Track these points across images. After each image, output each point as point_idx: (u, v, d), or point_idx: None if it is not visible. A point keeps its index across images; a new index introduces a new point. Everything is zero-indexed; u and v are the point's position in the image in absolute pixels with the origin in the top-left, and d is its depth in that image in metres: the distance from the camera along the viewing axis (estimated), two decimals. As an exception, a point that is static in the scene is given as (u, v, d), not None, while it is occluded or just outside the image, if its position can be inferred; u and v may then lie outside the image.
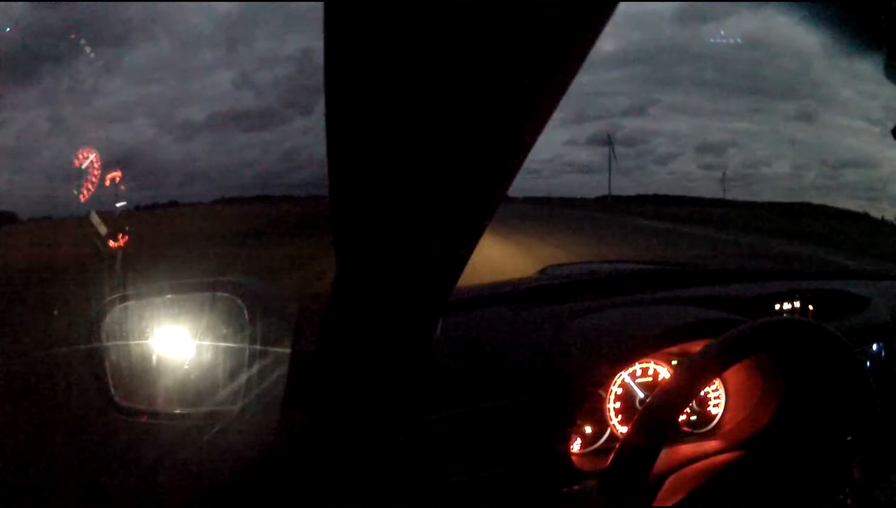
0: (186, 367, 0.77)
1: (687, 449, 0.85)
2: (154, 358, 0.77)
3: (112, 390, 0.69)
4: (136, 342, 0.77)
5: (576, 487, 0.77)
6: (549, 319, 0.92)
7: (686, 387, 0.62)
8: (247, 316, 0.72)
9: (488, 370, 0.83)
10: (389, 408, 0.62)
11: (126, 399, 0.70)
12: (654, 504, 0.70)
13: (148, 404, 0.74)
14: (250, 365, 0.70)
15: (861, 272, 1.46)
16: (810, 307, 1.09)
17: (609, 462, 0.68)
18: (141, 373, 0.75)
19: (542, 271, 1.42)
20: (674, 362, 0.88)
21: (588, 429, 0.85)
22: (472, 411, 0.78)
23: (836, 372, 0.68)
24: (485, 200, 0.44)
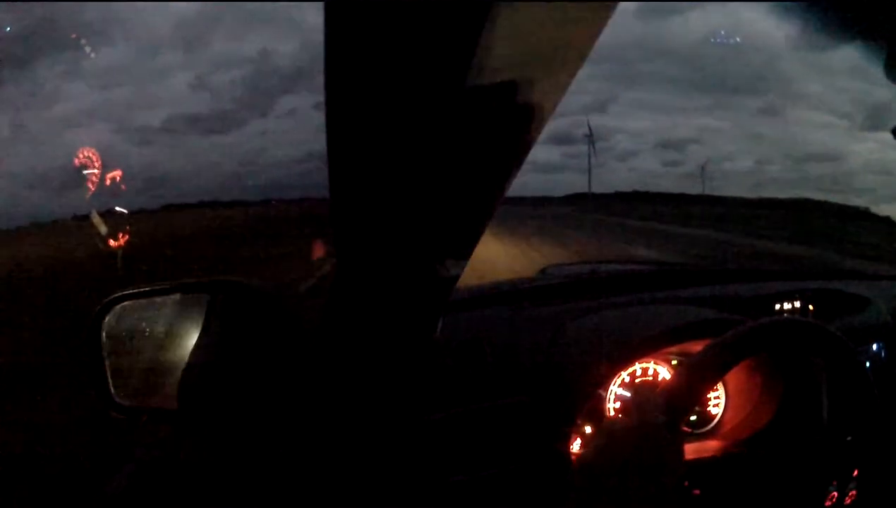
0: (186, 367, 0.77)
1: (687, 449, 0.85)
2: (154, 357, 0.77)
3: (112, 390, 0.69)
4: (136, 341, 0.77)
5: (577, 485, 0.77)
6: (549, 319, 0.92)
7: (687, 388, 0.62)
8: (247, 316, 0.72)
9: (488, 370, 0.82)
10: (389, 408, 0.62)
11: (126, 399, 0.70)
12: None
13: (148, 404, 0.74)
14: (250, 365, 0.70)
15: (861, 272, 1.46)
16: (810, 307, 1.09)
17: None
18: (140, 373, 0.75)
19: (542, 271, 1.43)
20: (674, 362, 0.88)
21: (588, 429, 0.85)
22: (472, 411, 0.78)
23: (837, 372, 0.68)
24: (485, 200, 0.44)
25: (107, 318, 0.71)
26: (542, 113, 0.36)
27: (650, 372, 0.88)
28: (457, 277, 0.54)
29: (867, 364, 1.02)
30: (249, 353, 0.72)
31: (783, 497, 0.67)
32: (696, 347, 0.72)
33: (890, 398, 0.75)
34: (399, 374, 0.61)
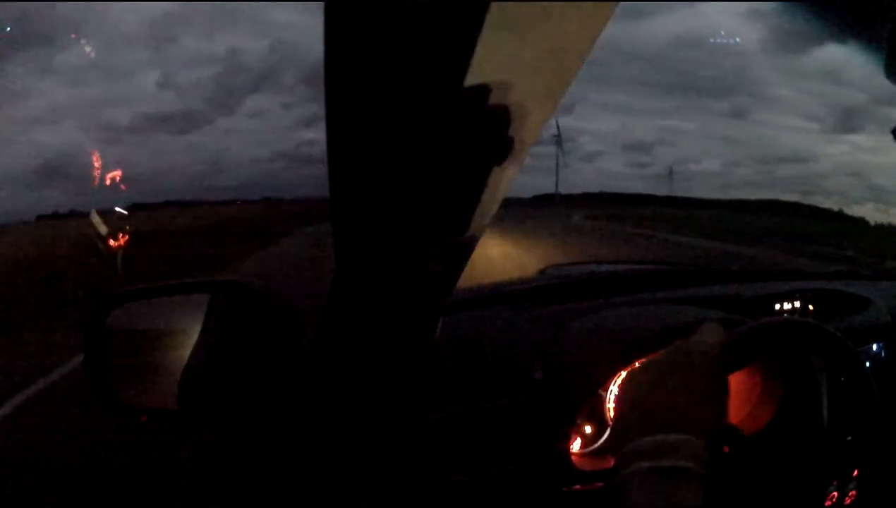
0: (186, 367, 0.77)
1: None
2: (154, 357, 0.77)
3: (112, 390, 0.69)
4: (136, 341, 0.77)
5: (578, 487, 0.77)
6: (548, 319, 0.92)
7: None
8: (247, 316, 0.72)
9: (488, 370, 0.83)
10: (389, 408, 0.62)
11: (126, 399, 0.70)
12: None
13: (148, 404, 0.74)
14: (250, 365, 0.70)
15: (861, 272, 1.46)
16: (810, 307, 1.09)
17: (615, 462, 0.68)
18: (141, 373, 0.75)
19: (542, 271, 1.43)
20: None
21: (588, 429, 0.85)
22: (471, 411, 0.78)
23: (837, 373, 0.68)
24: (484, 200, 0.44)
25: (106, 318, 0.71)
26: (542, 113, 0.36)
27: None
28: (457, 277, 0.54)
29: (867, 364, 1.02)
30: (249, 353, 0.72)
31: (783, 497, 0.67)
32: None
33: (890, 398, 0.75)
34: (399, 374, 0.61)
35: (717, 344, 0.55)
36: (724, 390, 0.55)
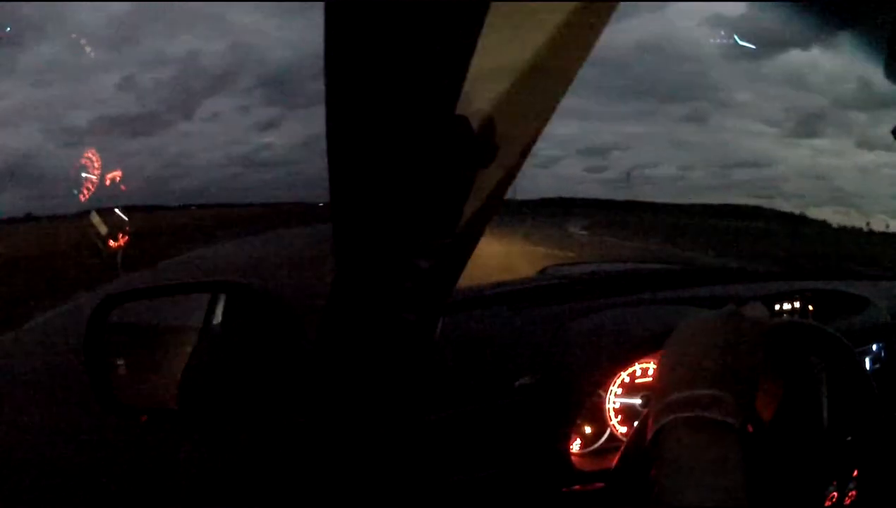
0: (186, 367, 0.77)
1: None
2: (154, 357, 0.77)
3: (112, 390, 0.69)
4: (136, 341, 0.77)
5: (577, 487, 0.77)
6: (548, 319, 0.92)
7: None
8: (247, 316, 0.72)
9: (488, 370, 0.82)
10: (389, 408, 0.62)
11: (126, 398, 0.70)
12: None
13: (148, 404, 0.74)
14: (250, 365, 0.70)
15: (861, 272, 1.46)
16: (810, 307, 1.09)
17: (616, 462, 0.68)
18: (141, 373, 0.75)
19: (542, 271, 1.42)
20: None
21: (588, 429, 0.85)
22: (472, 411, 0.78)
23: (837, 373, 0.68)
24: (484, 200, 0.44)
25: (107, 318, 0.71)
26: (542, 113, 0.36)
27: (650, 372, 0.88)
28: (457, 277, 0.54)
29: (867, 364, 1.02)
30: (249, 353, 0.72)
31: (783, 497, 0.67)
32: None
33: (890, 398, 0.75)
34: (399, 375, 0.61)
35: (767, 320, 0.56)
36: (763, 365, 0.55)
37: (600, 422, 0.86)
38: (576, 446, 0.83)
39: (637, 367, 0.87)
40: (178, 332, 0.80)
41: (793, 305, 1.08)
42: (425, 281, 0.52)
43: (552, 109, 0.36)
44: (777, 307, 1.07)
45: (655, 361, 0.88)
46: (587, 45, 0.31)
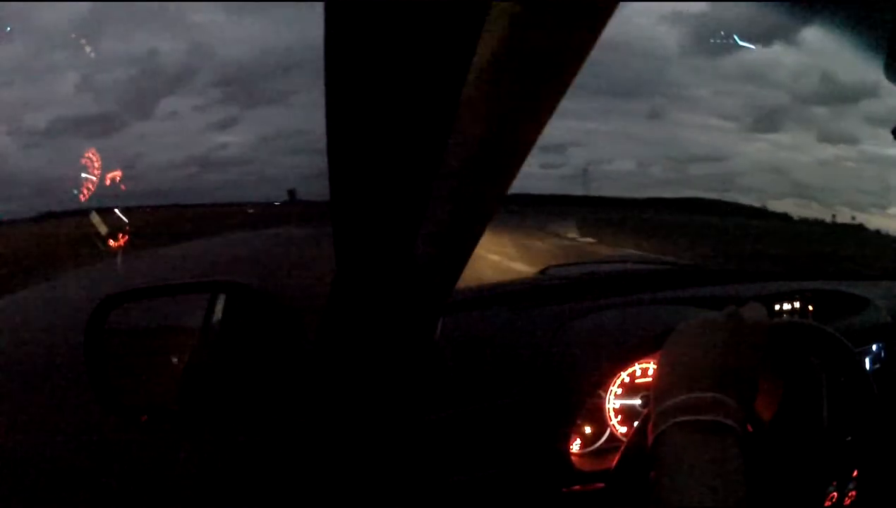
0: (186, 367, 0.77)
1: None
2: (154, 357, 0.77)
3: (112, 390, 0.69)
4: (136, 341, 0.77)
5: (577, 487, 0.77)
6: (548, 319, 0.92)
7: None
8: (247, 316, 0.72)
9: (488, 370, 0.83)
10: (389, 408, 0.62)
11: (126, 399, 0.70)
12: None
13: (148, 404, 0.74)
14: (250, 365, 0.70)
15: (861, 272, 1.46)
16: (810, 307, 1.09)
17: (616, 463, 0.68)
18: (140, 373, 0.75)
19: (543, 271, 1.43)
20: None
21: (588, 430, 0.85)
22: (472, 411, 0.78)
23: (836, 373, 0.68)
24: (484, 200, 0.44)
25: (107, 318, 0.71)
26: (542, 113, 0.36)
27: (650, 372, 0.88)
28: (457, 277, 0.54)
29: (867, 364, 1.02)
30: (249, 353, 0.72)
31: (783, 497, 0.67)
32: None
33: (890, 398, 0.75)
34: (399, 375, 0.61)
35: (766, 320, 0.57)
36: (763, 365, 0.56)
37: (600, 422, 0.86)
38: (576, 446, 0.83)
39: (637, 367, 0.87)
40: (177, 332, 0.80)
41: (793, 305, 1.08)
42: (425, 282, 0.52)
43: (552, 109, 0.35)
44: (777, 307, 1.08)
45: (655, 361, 0.88)
46: (587, 45, 0.31)
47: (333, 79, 0.32)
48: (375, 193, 0.41)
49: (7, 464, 2.15)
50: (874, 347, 1.04)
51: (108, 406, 0.68)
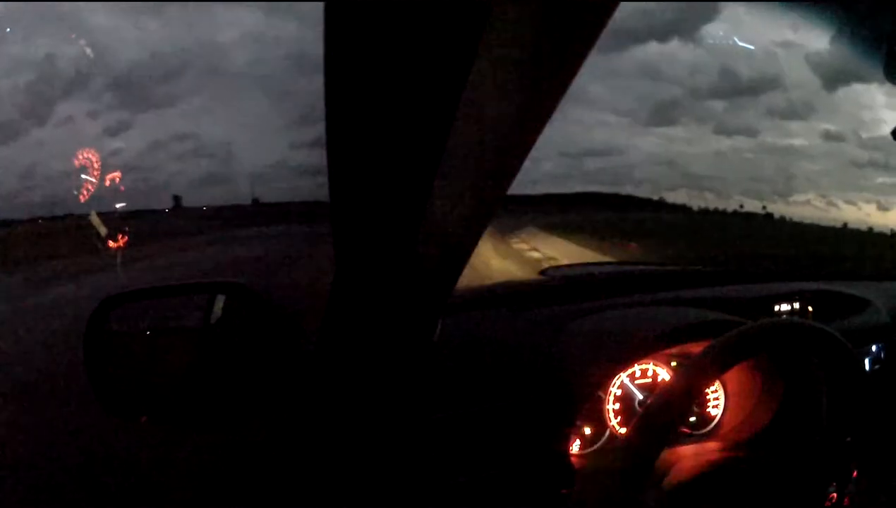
0: (186, 367, 0.77)
1: (687, 451, 0.85)
2: (154, 358, 0.77)
3: (112, 390, 0.69)
4: (136, 342, 0.77)
5: (577, 488, 0.77)
6: (548, 320, 0.92)
7: (686, 389, 0.62)
8: (247, 317, 0.72)
9: (488, 370, 0.82)
10: (389, 409, 0.62)
11: (126, 399, 0.70)
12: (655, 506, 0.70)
13: (148, 405, 0.74)
14: (250, 366, 0.70)
15: (861, 273, 1.46)
16: (810, 308, 1.09)
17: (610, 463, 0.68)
18: (140, 374, 0.75)
19: (542, 272, 1.43)
20: (673, 363, 0.88)
21: (587, 430, 0.85)
22: (471, 411, 0.78)
23: (836, 374, 0.68)
24: (484, 200, 0.44)
25: (107, 319, 0.71)
26: (542, 113, 0.36)
27: (649, 373, 0.88)
28: (457, 278, 0.54)
29: (867, 364, 1.02)
30: (249, 354, 0.72)
31: (783, 497, 0.67)
32: (696, 348, 0.72)
33: (890, 398, 0.75)
34: (399, 376, 0.61)
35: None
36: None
37: (600, 423, 0.86)
38: (575, 447, 0.83)
39: (637, 368, 0.87)
40: (177, 333, 0.80)
41: (793, 305, 1.09)
42: (425, 282, 0.52)
43: (552, 109, 0.36)
44: (777, 307, 1.08)
45: (655, 362, 0.88)
46: (587, 45, 0.31)
47: (333, 79, 0.32)
48: (375, 193, 0.41)
49: (7, 464, 2.15)
50: (874, 347, 1.04)
51: (108, 406, 0.68)
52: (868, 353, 1.03)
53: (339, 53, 0.31)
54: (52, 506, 1.88)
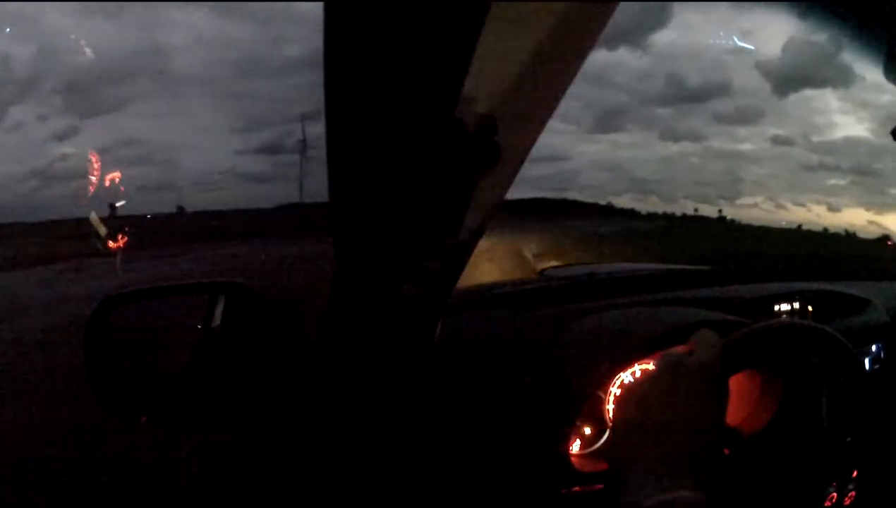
0: (186, 367, 0.77)
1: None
2: (154, 357, 0.77)
3: (112, 390, 0.69)
4: (136, 342, 0.77)
5: (577, 488, 0.77)
6: (548, 320, 0.92)
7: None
8: (247, 317, 0.72)
9: (488, 370, 0.83)
10: (389, 409, 0.62)
11: (126, 399, 0.70)
12: None
13: (148, 405, 0.74)
14: (250, 366, 0.70)
15: (860, 273, 1.46)
16: (809, 308, 1.09)
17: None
18: (140, 374, 0.75)
19: (542, 273, 1.43)
20: None
21: (587, 430, 0.85)
22: (471, 411, 0.78)
23: (836, 374, 0.68)
24: (484, 201, 0.44)
25: (107, 319, 0.71)
26: (542, 113, 0.36)
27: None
28: (457, 278, 0.54)
29: (867, 364, 1.02)
30: (249, 354, 0.72)
31: (783, 497, 0.67)
32: None
33: (890, 398, 0.75)
34: (399, 376, 0.61)
35: (717, 352, 0.55)
36: (725, 396, 0.55)
37: (600, 423, 0.86)
38: (575, 447, 0.83)
39: (637, 368, 0.87)
40: (177, 333, 0.80)
41: (792, 305, 1.08)
42: (425, 283, 0.52)
43: (552, 110, 0.36)
44: (777, 307, 1.07)
45: (654, 362, 0.88)
46: (587, 46, 0.31)
47: (333, 79, 0.32)
48: (375, 194, 0.41)
49: (7, 464, 2.15)
50: (874, 347, 1.04)
51: (107, 406, 0.68)
52: (868, 353, 1.03)
53: (338, 53, 0.31)
54: (52, 506, 1.88)
